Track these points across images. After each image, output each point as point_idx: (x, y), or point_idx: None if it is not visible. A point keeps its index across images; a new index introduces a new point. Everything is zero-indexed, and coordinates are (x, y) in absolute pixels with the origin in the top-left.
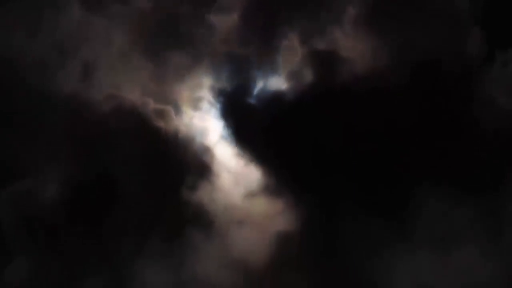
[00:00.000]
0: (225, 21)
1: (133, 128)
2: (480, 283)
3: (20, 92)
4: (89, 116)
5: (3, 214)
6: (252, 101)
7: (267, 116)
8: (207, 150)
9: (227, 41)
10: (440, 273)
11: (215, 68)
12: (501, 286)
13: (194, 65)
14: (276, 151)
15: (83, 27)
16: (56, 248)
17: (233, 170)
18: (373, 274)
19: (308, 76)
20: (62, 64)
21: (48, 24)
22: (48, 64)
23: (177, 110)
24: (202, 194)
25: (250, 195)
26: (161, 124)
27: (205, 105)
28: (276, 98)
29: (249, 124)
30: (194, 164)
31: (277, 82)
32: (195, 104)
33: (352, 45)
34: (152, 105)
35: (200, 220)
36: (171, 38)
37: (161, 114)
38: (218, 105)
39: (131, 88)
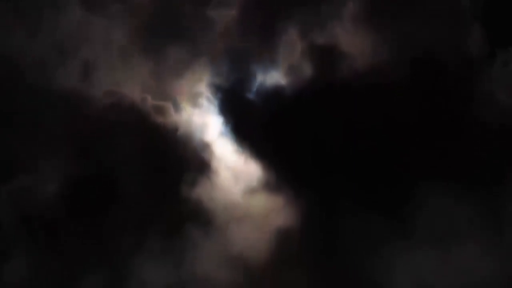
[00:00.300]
0: (224, 16)
1: (132, 125)
2: (481, 281)
3: (19, 90)
4: (89, 113)
5: (1, 211)
6: (251, 96)
7: (266, 112)
8: (206, 146)
9: (226, 36)
10: (440, 270)
11: (214, 64)
12: (501, 284)
13: (193, 61)
14: (276, 147)
15: (83, 25)
16: (55, 246)
17: (232, 166)
18: (373, 272)
19: (308, 71)
20: (62, 62)
21: (48, 23)
22: (47, 61)
23: (176, 106)
24: (202, 191)
25: (250, 191)
26: (160, 120)
27: (204, 101)
28: (275, 93)
29: (248, 120)
30: (193, 161)
31: (277, 77)
32: (194, 100)
33: (352, 40)
34: (151, 101)
35: (200, 217)
36: (170, 34)
37: (160, 110)
38: (217, 101)
39: (130, 85)
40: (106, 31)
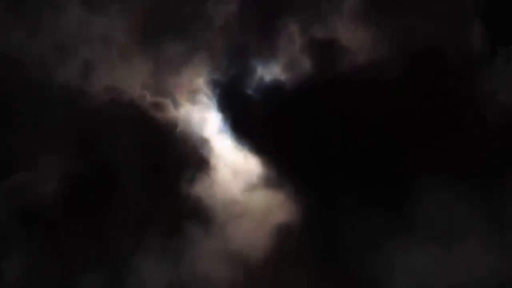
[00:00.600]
0: (223, 12)
1: (131, 121)
2: (481, 278)
3: (18, 86)
4: (88, 110)
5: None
6: (251, 92)
7: (266, 108)
8: (205, 143)
9: (225, 32)
10: (441, 268)
11: (213, 60)
12: (503, 279)
13: (192, 57)
14: (276, 143)
15: (82, 22)
16: (53, 244)
17: (232, 163)
18: (373, 268)
19: (308, 66)
20: (61, 59)
21: (48, 22)
22: (46, 59)
23: (175, 103)
24: (201, 188)
25: (250, 188)
26: (159, 117)
27: (203, 97)
28: (275, 89)
29: (248, 116)
30: (193, 158)
31: (276, 73)
32: (193, 96)
33: (353, 35)
34: (150, 98)
35: (199, 215)
36: (168, 31)
37: (159, 107)
38: (216, 97)
39: (129, 82)
40: (104, 28)
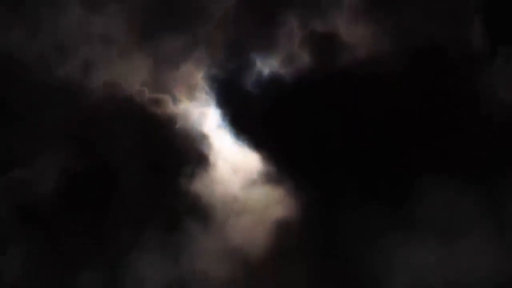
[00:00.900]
0: (222, 5)
1: (130, 118)
2: (482, 275)
3: (16, 83)
4: (87, 107)
5: None
6: (250, 87)
7: (265, 103)
8: (204, 139)
9: (224, 27)
10: (441, 265)
11: (212, 55)
12: (503, 279)
13: (191, 52)
14: (275, 139)
15: (81, 21)
16: (52, 240)
17: (231, 159)
18: (373, 265)
19: (307, 60)
20: (60, 56)
21: (48, 21)
22: (45, 55)
23: (174, 99)
24: (200, 184)
25: (249, 184)
26: (158, 113)
27: (202, 93)
28: (274, 84)
29: (247, 111)
30: (192, 154)
31: (276, 68)
32: (192, 92)
33: (353, 30)
34: (149, 94)
35: (198, 211)
36: (167, 26)
37: (158, 103)
38: (215, 93)
39: (128, 78)
40: (103, 25)
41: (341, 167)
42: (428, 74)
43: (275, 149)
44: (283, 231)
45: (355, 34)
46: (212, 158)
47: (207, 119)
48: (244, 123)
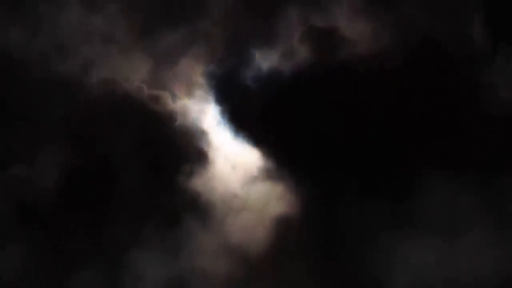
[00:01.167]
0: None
1: (129, 115)
2: (482, 274)
3: (16, 80)
4: (86, 104)
5: None
6: (249, 84)
7: (264, 99)
8: (204, 136)
9: (223, 21)
10: (442, 263)
11: (211, 51)
12: (502, 278)
13: (189, 49)
14: (275, 135)
15: (81, 20)
16: (51, 236)
17: (230, 155)
18: (373, 262)
19: (307, 56)
20: (60, 52)
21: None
22: (44, 53)
23: (173, 95)
24: (199, 181)
25: (249, 181)
26: (157, 110)
27: (201, 90)
28: (274, 80)
29: (246, 108)
30: (191, 151)
31: (275, 64)
32: (191, 89)
33: (353, 25)
34: (148, 91)
35: (198, 208)
36: (166, 22)
37: (158, 100)
38: (214, 90)
39: (127, 75)
40: (103, 22)
41: (341, 164)
42: (428, 72)
43: (275, 146)
44: (283, 228)
45: (355, 29)
46: (211, 154)
47: (206, 115)
48: (243, 119)
